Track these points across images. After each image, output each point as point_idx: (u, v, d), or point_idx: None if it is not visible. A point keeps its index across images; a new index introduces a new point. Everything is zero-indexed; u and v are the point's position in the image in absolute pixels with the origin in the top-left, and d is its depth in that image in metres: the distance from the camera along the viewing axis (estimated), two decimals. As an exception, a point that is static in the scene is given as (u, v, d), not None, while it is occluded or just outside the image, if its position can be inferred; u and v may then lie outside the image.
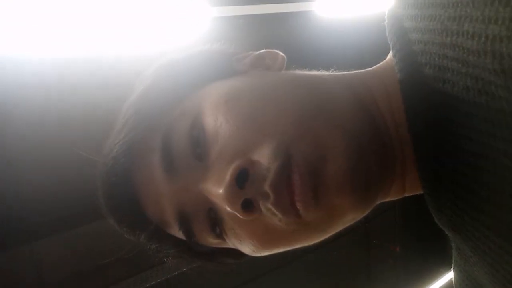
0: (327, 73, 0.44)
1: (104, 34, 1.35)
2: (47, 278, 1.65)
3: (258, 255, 0.41)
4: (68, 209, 1.53)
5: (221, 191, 0.35)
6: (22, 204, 1.50)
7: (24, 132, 1.42)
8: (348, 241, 2.69)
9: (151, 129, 0.41)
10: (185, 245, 0.45)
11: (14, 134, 1.43)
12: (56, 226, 1.58)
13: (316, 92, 0.39)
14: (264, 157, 0.35)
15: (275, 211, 0.35)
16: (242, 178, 0.35)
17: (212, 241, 0.42)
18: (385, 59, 0.43)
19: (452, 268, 0.44)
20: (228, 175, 0.34)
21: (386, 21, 0.41)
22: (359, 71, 0.44)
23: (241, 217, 0.35)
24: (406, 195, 0.43)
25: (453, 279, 0.45)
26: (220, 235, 0.40)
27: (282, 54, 0.46)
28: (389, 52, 0.41)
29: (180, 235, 0.42)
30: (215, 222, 0.40)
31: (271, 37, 1.98)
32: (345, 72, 0.44)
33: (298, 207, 0.34)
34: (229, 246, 0.42)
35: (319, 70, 0.45)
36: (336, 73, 0.44)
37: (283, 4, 1.91)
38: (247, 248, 0.40)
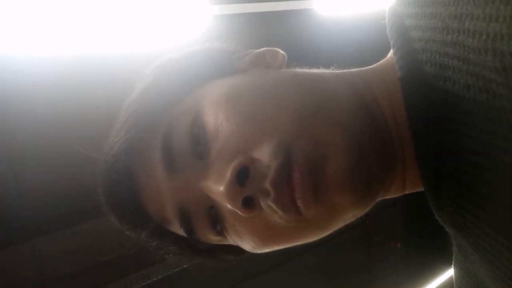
0: (327, 71, 0.44)
1: (104, 33, 1.35)
2: (48, 275, 1.65)
3: (258, 252, 0.41)
4: (69, 207, 1.53)
5: (221, 188, 0.35)
6: (23, 201, 1.50)
7: (24, 130, 1.42)
8: (348, 238, 2.69)
9: (151, 127, 0.41)
10: (186, 242, 0.45)
11: (14, 132, 1.43)
12: (57, 223, 1.58)
13: (316, 90, 0.39)
14: (264, 155, 0.35)
15: (276, 208, 0.35)
16: (243, 176, 0.35)
17: (213, 238, 0.42)
18: (385, 57, 0.43)
19: (452, 265, 0.45)
20: (228, 173, 0.35)
21: (387, 19, 0.41)
22: (359, 69, 0.44)
23: (241, 214, 0.35)
24: (406, 192, 0.43)
25: (453, 276, 0.45)
26: (221, 232, 0.40)
27: (282, 52, 0.46)
28: (390, 50, 0.41)
29: (181, 232, 0.42)
30: (216, 220, 0.40)
31: (271, 35, 1.97)
32: (346, 70, 0.44)
33: (298, 204, 0.34)
34: (229, 243, 0.42)
35: (319, 68, 0.45)
36: (336, 71, 0.44)
37: (283, 2, 1.90)
38: (248, 245, 0.40)
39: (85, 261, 1.60)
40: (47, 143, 1.44)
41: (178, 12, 1.46)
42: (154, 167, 0.40)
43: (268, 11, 1.86)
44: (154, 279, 1.84)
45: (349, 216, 0.38)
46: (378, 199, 0.40)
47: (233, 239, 0.41)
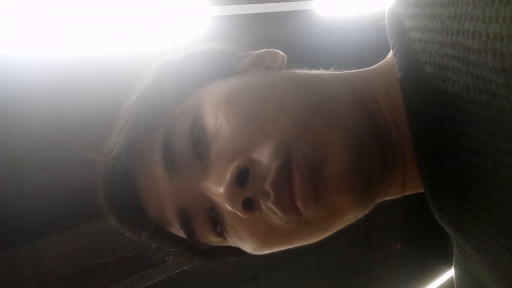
0: (327, 72, 0.44)
1: (104, 34, 1.35)
2: (48, 276, 1.65)
3: (258, 253, 0.41)
4: (69, 208, 1.53)
5: (221, 190, 0.35)
6: (23, 203, 1.50)
7: (25, 132, 1.42)
8: (349, 239, 2.69)
9: (151, 128, 0.41)
10: (186, 243, 0.45)
11: (14, 133, 1.43)
12: (57, 224, 1.58)
13: (316, 91, 0.39)
14: (264, 156, 0.35)
15: (276, 210, 0.35)
16: (243, 177, 0.35)
17: (213, 240, 0.42)
18: (385, 58, 0.43)
19: (453, 266, 0.44)
20: (228, 174, 0.35)
21: (386, 20, 0.41)
22: (359, 70, 0.44)
23: (241, 215, 0.35)
24: (406, 193, 0.43)
25: (454, 277, 0.45)
26: (221, 234, 0.40)
27: (282, 53, 0.46)
28: (389, 51, 0.41)
29: (181, 233, 0.42)
30: (216, 221, 0.40)
31: (271, 36, 1.98)
32: (345, 71, 0.44)
33: (298, 206, 0.34)
34: (230, 245, 0.42)
35: (319, 69, 0.45)
36: (336, 72, 0.44)
37: (283, 3, 1.90)
38: (248, 247, 0.40)
39: (85, 262, 1.60)
40: (47, 145, 1.44)
41: (178, 13, 1.46)
42: (154, 168, 0.40)
43: (267, 12, 1.86)
44: (154, 281, 1.84)
45: (349, 217, 0.38)
46: (378, 200, 0.40)
47: (233, 241, 0.41)
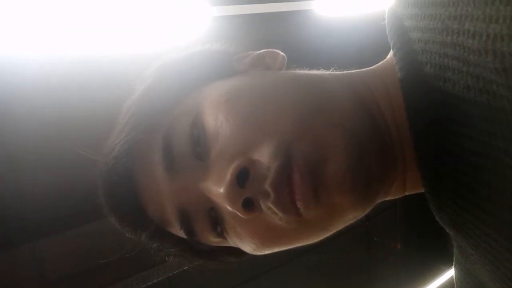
0: (327, 72, 0.44)
1: (104, 34, 1.35)
2: (48, 276, 1.65)
3: (259, 253, 0.41)
4: (69, 208, 1.53)
5: (221, 190, 0.35)
6: (23, 203, 1.50)
7: (25, 132, 1.42)
8: (349, 239, 2.69)
9: (152, 128, 0.41)
10: (186, 243, 0.45)
11: (14, 133, 1.43)
12: (57, 225, 1.58)
13: (316, 91, 0.39)
14: (264, 156, 0.35)
15: (276, 210, 0.35)
16: (243, 177, 0.35)
17: (213, 240, 0.42)
18: (385, 58, 0.43)
19: (453, 266, 0.44)
20: (228, 174, 0.35)
21: (386, 20, 0.41)
22: (359, 70, 0.44)
23: (241, 216, 0.35)
24: (407, 193, 0.43)
25: (454, 277, 0.45)
26: (221, 234, 0.40)
27: (282, 53, 0.46)
28: (390, 51, 0.41)
29: (181, 234, 0.42)
30: (216, 221, 0.40)
31: (271, 36, 1.98)
32: (345, 71, 0.44)
33: (298, 206, 0.34)
34: (230, 245, 0.42)
35: (319, 69, 0.45)
36: (336, 72, 0.44)
37: (283, 3, 1.90)
38: (248, 247, 0.40)
39: (85, 263, 1.60)
40: (47, 145, 1.44)
41: (177, 13, 1.46)
42: (154, 168, 0.40)
43: (267, 12, 1.86)
44: (154, 281, 1.84)
45: (349, 218, 0.38)
46: (379, 200, 0.40)
47: (233, 241, 0.41)
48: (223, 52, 0.48)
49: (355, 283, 3.08)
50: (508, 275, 0.31)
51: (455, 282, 0.45)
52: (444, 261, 3.26)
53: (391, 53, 0.41)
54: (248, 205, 0.35)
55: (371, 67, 0.44)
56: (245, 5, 1.74)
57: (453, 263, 0.44)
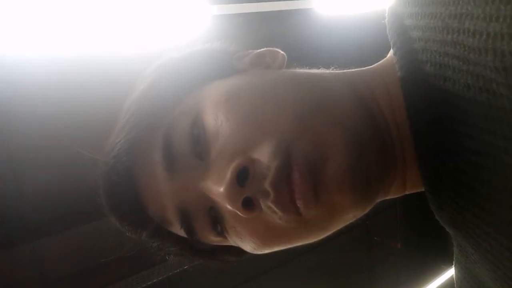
0: (327, 71, 0.44)
1: (104, 33, 1.35)
2: (48, 276, 1.66)
3: (259, 252, 0.41)
4: (69, 208, 1.53)
5: (221, 189, 0.35)
6: (23, 202, 1.50)
7: (25, 131, 1.42)
8: (349, 238, 2.69)
9: (152, 128, 0.41)
10: (186, 243, 0.45)
11: (15, 133, 1.43)
12: (58, 224, 1.58)
13: (316, 90, 0.39)
14: (264, 155, 0.35)
15: (275, 209, 0.35)
16: (243, 176, 0.35)
17: (213, 239, 0.42)
18: (385, 57, 0.43)
19: (453, 265, 0.44)
20: (228, 174, 0.35)
21: (387, 19, 0.41)
22: (359, 69, 0.44)
23: (241, 215, 0.35)
24: (407, 192, 0.43)
25: (454, 276, 0.45)
26: (221, 233, 0.40)
27: (282, 52, 0.46)
28: (390, 50, 0.41)
29: (181, 233, 0.42)
30: (216, 220, 0.40)
31: (271, 35, 1.97)
32: (346, 70, 0.44)
33: (298, 205, 0.34)
34: (230, 244, 0.42)
35: (319, 68, 0.45)
36: (336, 71, 0.44)
37: (283, 1, 1.90)
38: (248, 246, 0.40)
39: (85, 262, 1.60)
40: (48, 144, 1.44)
41: (177, 12, 1.46)
42: (154, 168, 0.40)
43: (268, 11, 1.86)
44: (155, 280, 1.84)
45: (349, 217, 0.38)
46: (378, 200, 0.40)
47: (233, 240, 0.41)
48: (223, 51, 0.48)
49: (355, 283, 3.08)
50: (508, 274, 0.31)
51: (455, 282, 0.45)
52: (444, 261, 3.26)
53: (391, 52, 0.41)
54: (248, 204, 0.35)
55: (371, 66, 0.44)
56: (245, 4, 1.74)
57: (453, 262, 0.44)
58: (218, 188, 0.35)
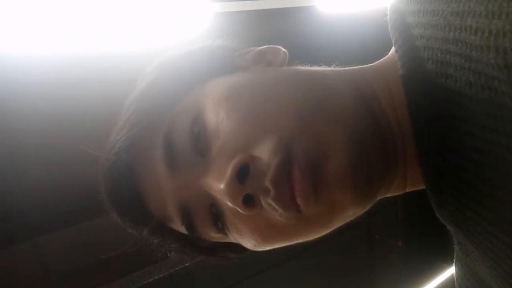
0: (329, 68, 0.44)
1: (105, 31, 1.35)
2: (50, 272, 1.66)
3: (259, 249, 0.41)
4: (71, 205, 1.54)
5: (222, 186, 0.35)
6: (24, 199, 1.51)
7: (26, 128, 1.43)
8: (350, 236, 2.69)
9: (153, 125, 0.41)
10: (187, 239, 0.45)
11: (16, 130, 1.44)
12: (59, 221, 1.59)
13: (317, 88, 0.39)
14: (265, 152, 0.35)
15: (276, 206, 0.35)
16: (243, 173, 0.35)
17: (214, 236, 0.42)
18: (387, 54, 0.43)
19: (454, 263, 0.44)
20: (229, 171, 0.35)
21: (389, 16, 0.41)
22: (361, 66, 0.44)
23: (242, 212, 0.35)
24: (407, 190, 0.43)
25: (454, 274, 0.45)
26: (222, 230, 0.41)
27: (283, 49, 0.46)
28: (391, 47, 0.41)
29: (182, 229, 0.42)
30: (217, 217, 0.40)
31: (273, 32, 1.97)
32: (347, 68, 0.44)
33: (298, 202, 0.34)
34: (230, 241, 0.43)
35: (321, 65, 0.45)
36: (338, 69, 0.44)
37: (285, -1, 1.90)
38: (249, 243, 0.40)
39: (86, 259, 1.61)
40: (49, 141, 1.45)
41: (179, 10, 1.46)
42: (155, 165, 0.40)
43: (269, 9, 1.85)
44: (156, 277, 1.84)
45: (349, 214, 0.38)
46: (379, 197, 0.40)
47: (234, 237, 0.41)
48: (224, 48, 0.48)
49: (356, 281, 3.09)
50: (509, 272, 0.31)
51: (455, 280, 0.45)
52: (445, 259, 3.26)
53: (393, 50, 0.40)
54: (249, 201, 0.35)
55: (372, 64, 0.44)
56: (246, 1, 1.74)
57: (454, 260, 0.44)
58: (218, 185, 0.36)
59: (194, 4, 1.49)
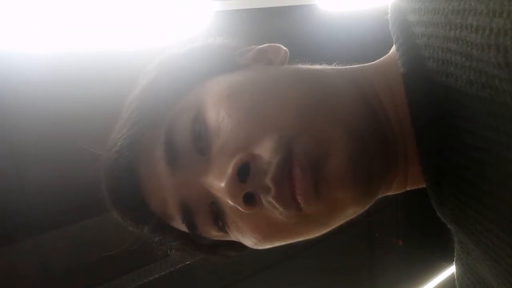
0: (329, 67, 0.44)
1: (106, 29, 1.35)
2: (50, 271, 1.66)
3: (260, 247, 0.41)
4: (71, 203, 1.54)
5: (222, 184, 0.35)
6: (25, 197, 1.51)
7: (26, 127, 1.43)
8: (350, 235, 2.69)
9: (154, 123, 0.41)
10: (188, 237, 0.45)
11: (16, 128, 1.44)
12: (59, 219, 1.59)
13: (318, 86, 0.39)
14: (265, 151, 0.35)
15: (276, 204, 0.35)
16: (244, 172, 0.35)
17: (215, 234, 0.42)
18: (387, 53, 0.43)
19: (454, 262, 0.45)
20: (229, 169, 0.35)
21: (390, 15, 0.41)
22: (361, 65, 0.44)
23: (242, 210, 0.35)
24: (408, 189, 0.43)
25: (455, 273, 0.45)
26: (223, 228, 0.41)
27: (284, 48, 0.46)
28: (392, 46, 0.41)
29: (183, 228, 0.42)
30: (217, 215, 0.40)
31: (274, 31, 1.97)
32: (348, 66, 0.44)
33: (299, 200, 0.34)
34: (231, 239, 0.43)
35: (321, 64, 0.45)
36: (338, 67, 0.44)
37: (285, -3, 1.90)
38: (249, 241, 0.40)
39: (87, 257, 1.61)
40: (49, 139, 1.45)
41: (179, 8, 1.46)
42: (156, 163, 0.40)
43: (270, 7, 1.85)
44: (156, 276, 1.84)
45: (350, 213, 0.38)
46: (380, 196, 0.40)
47: (234, 235, 0.41)
48: (225, 47, 0.48)
49: (356, 280, 3.09)
50: (509, 270, 0.31)
51: (456, 278, 0.45)
52: (445, 257, 3.26)
53: (393, 48, 0.40)
54: (249, 199, 0.35)
55: (373, 62, 0.44)
56: (247, 0, 1.74)
57: (454, 259, 0.44)
58: (219, 184, 0.36)
59: (194, 2, 1.49)
